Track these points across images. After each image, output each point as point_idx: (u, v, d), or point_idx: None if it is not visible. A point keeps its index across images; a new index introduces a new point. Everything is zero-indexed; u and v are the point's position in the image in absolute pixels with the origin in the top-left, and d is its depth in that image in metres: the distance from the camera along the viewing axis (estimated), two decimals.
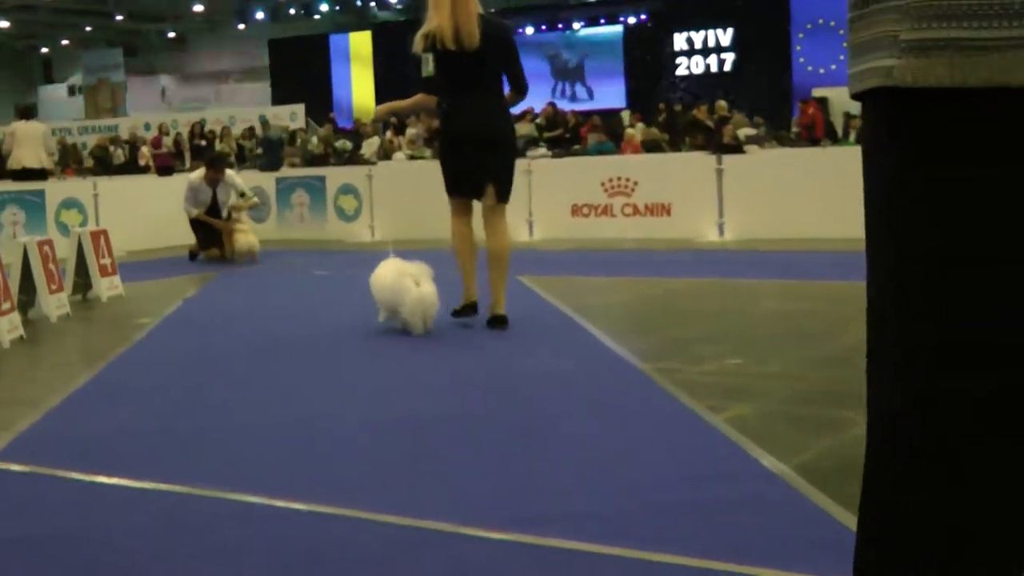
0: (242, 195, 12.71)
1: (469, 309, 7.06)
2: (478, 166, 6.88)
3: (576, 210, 13.31)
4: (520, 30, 34.32)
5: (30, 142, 15.07)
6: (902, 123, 1.29)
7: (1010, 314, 1.24)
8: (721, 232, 12.34)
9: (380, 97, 32.81)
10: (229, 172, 12.87)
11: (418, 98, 7.32)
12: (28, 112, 16.56)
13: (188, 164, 24.13)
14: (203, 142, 25.37)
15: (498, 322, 6.86)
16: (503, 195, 6.98)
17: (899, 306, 1.30)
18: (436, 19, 6.77)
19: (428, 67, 6.85)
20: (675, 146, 20.32)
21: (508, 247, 7.02)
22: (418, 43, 6.85)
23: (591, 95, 32.81)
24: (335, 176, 15.11)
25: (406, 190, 13.99)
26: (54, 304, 8.16)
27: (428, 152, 21.15)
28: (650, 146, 19.70)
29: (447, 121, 6.98)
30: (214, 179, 12.48)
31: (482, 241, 7.06)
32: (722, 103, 19.93)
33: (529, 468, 3.90)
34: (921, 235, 1.28)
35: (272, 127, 24.67)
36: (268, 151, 17.75)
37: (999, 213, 1.23)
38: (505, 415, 4.73)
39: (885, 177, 1.32)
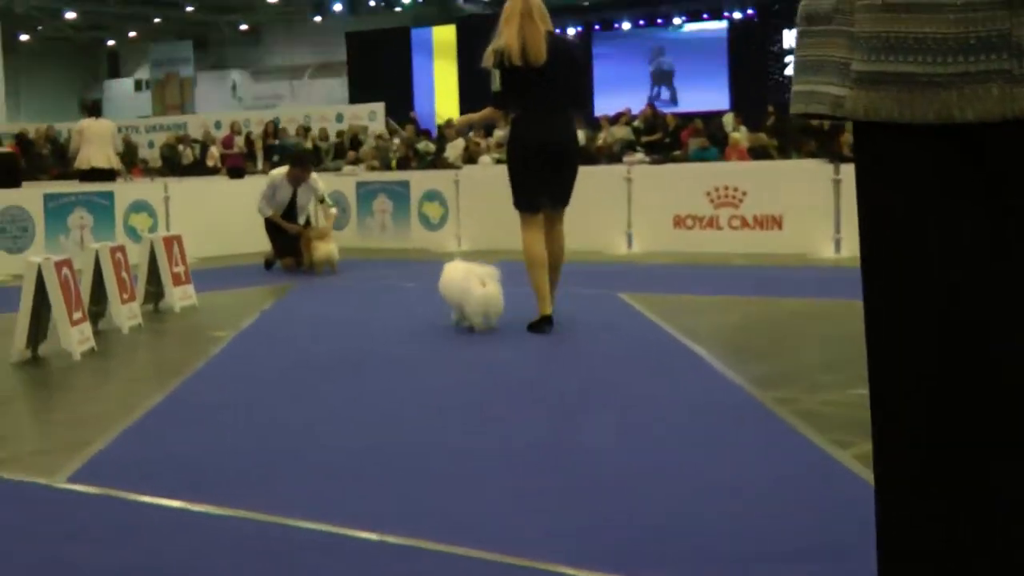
0: (321, 200, 12.79)
1: (544, 322, 7.55)
2: (549, 179, 7.57)
3: (679, 221, 13.27)
4: (616, 25, 34.33)
5: (100, 141, 15.38)
6: (855, 147, 1.37)
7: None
8: (838, 248, 12.17)
9: (465, 95, 33.00)
10: (313, 175, 12.91)
11: (487, 112, 8.00)
12: (96, 108, 16.92)
13: (260, 165, 24.42)
14: (276, 141, 25.66)
15: (547, 323, 7.53)
16: (567, 201, 7.78)
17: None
18: (505, 35, 7.44)
19: (496, 83, 7.58)
20: (785, 153, 20.19)
21: (564, 251, 7.88)
22: (488, 58, 7.52)
23: (691, 96, 32.62)
24: (419, 181, 15.20)
25: (494, 197, 13.97)
26: (126, 314, 8.30)
27: None
28: (758, 153, 19.62)
29: (518, 135, 7.62)
30: (298, 178, 12.55)
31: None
32: None
33: (640, 508, 3.87)
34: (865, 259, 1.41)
35: (288, 134, 24.88)
36: (283, 161, 17.62)
37: (933, 244, 1.30)
38: (609, 447, 4.71)
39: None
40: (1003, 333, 1.27)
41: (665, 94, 33.79)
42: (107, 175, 15.34)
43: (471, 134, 22.28)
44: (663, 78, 34.23)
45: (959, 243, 1.28)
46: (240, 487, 4.19)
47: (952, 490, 1.32)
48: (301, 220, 12.66)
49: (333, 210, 12.96)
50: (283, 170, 12.82)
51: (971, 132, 1.24)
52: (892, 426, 1.40)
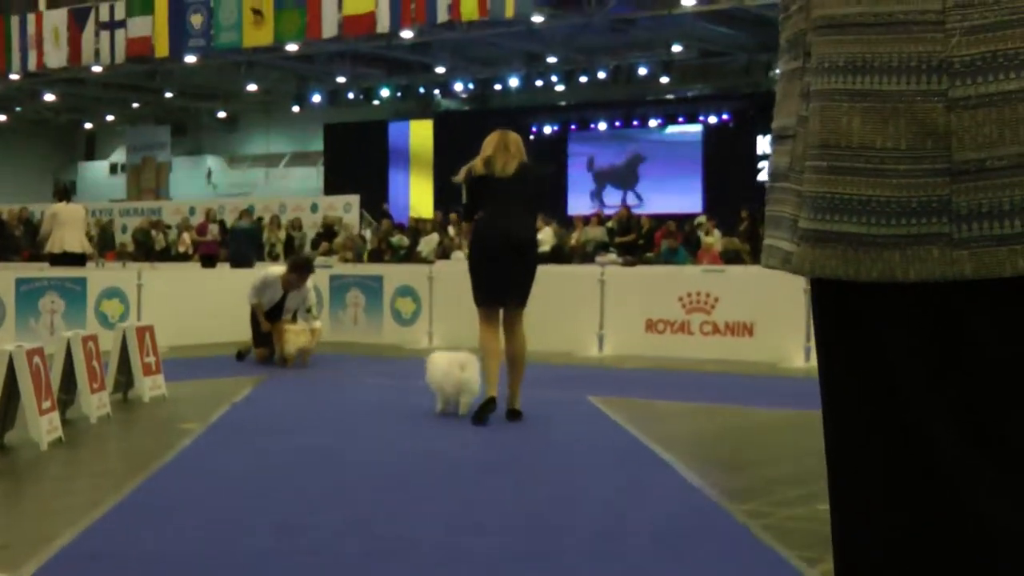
0: (308, 310, 12.69)
1: (490, 404, 8.06)
2: (507, 275, 8.12)
3: (651, 325, 13.32)
4: (593, 125, 34.68)
5: (72, 224, 15.47)
6: (812, 296, 1.44)
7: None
8: (808, 357, 12.14)
9: (440, 190, 33.18)
10: (308, 284, 12.76)
11: (467, 228, 8.60)
12: (67, 193, 16.98)
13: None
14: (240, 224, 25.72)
15: (515, 415, 8.21)
16: (525, 300, 8.28)
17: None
18: (479, 156, 8.25)
19: (464, 196, 8.36)
20: (757, 258, 20.35)
21: (525, 348, 8.36)
22: (460, 174, 8.33)
23: (665, 198, 32.88)
24: (393, 276, 15.26)
25: (468, 292, 14.01)
26: (95, 404, 8.26)
27: None
28: (730, 256, 19.79)
29: (479, 232, 8.19)
30: (292, 284, 12.45)
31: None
32: None
33: None
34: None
35: (243, 217, 24.91)
36: (236, 244, 17.24)
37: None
38: (577, 561, 4.68)
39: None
40: (954, 457, 1.32)
41: (638, 194, 34.03)
42: (79, 259, 15.36)
43: (449, 230, 22.41)
44: (636, 177, 34.49)
45: (915, 393, 1.33)
46: None
47: None
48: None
49: (317, 324, 12.72)
50: (278, 270, 12.77)
51: (920, 290, 1.30)
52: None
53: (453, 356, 8.52)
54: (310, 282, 12.87)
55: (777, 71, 1.51)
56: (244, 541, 4.88)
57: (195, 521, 5.27)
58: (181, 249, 26.30)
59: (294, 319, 12.57)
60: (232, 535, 4.99)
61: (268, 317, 12.43)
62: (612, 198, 33.56)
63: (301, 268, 12.67)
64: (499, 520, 5.34)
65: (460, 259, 20.63)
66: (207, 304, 13.92)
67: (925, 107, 1.28)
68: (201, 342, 13.80)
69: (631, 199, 33.09)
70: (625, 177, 34.54)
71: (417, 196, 36.94)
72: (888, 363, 1.34)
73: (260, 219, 27.09)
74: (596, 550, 4.81)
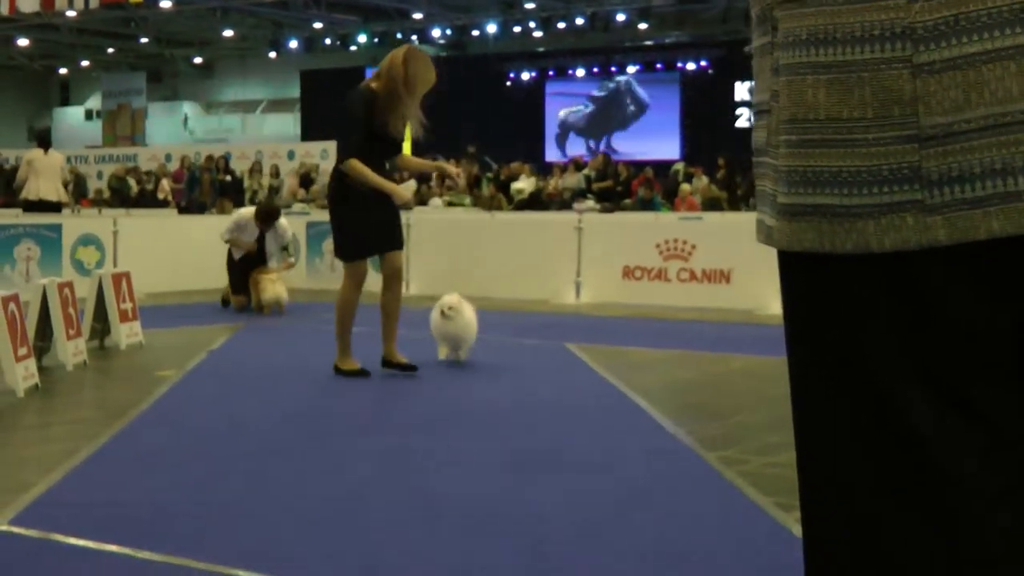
0: (284, 248, 12.72)
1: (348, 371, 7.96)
2: (381, 220, 7.73)
3: (628, 272, 13.29)
4: (571, 71, 34.54)
5: (49, 174, 15.39)
6: (780, 268, 1.44)
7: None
8: None
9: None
10: (282, 222, 12.81)
11: (358, 168, 7.68)
12: (45, 141, 16.79)
13: (210, 201, 24.30)
14: (228, 177, 25.58)
15: (410, 368, 7.94)
16: (401, 246, 8.09)
17: None
18: (390, 106, 7.57)
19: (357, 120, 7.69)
20: (735, 205, 20.35)
21: (401, 300, 8.10)
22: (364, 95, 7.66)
23: (643, 145, 32.83)
24: None
25: (446, 240, 14.09)
26: (71, 351, 8.23)
27: (468, 199, 21.36)
28: (708, 204, 19.77)
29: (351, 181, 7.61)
30: (263, 227, 12.56)
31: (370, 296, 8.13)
32: None
33: (583, 574, 3.86)
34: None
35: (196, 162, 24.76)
36: (191, 188, 17.11)
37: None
38: (552, 509, 4.65)
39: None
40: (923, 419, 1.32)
41: (617, 140, 33.95)
42: (54, 207, 15.27)
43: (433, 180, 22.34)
44: (615, 124, 34.40)
45: (886, 359, 1.33)
46: (184, 535, 4.16)
47: None
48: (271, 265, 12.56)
49: (292, 259, 12.94)
50: (251, 211, 12.83)
51: (895, 261, 1.30)
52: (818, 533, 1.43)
53: (441, 301, 8.40)
54: (286, 221, 12.94)
55: (751, 47, 1.50)
56: (215, 491, 4.87)
57: (168, 471, 5.27)
58: (160, 196, 26.13)
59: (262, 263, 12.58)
60: (203, 485, 4.99)
61: (251, 264, 12.38)
62: (580, 148, 33.42)
63: (266, 217, 12.66)
64: (468, 469, 5.34)
65: (438, 206, 20.63)
66: (185, 251, 13.86)
67: (890, 74, 1.27)
68: (178, 289, 13.72)
69: (609, 146, 33.04)
70: (602, 125, 34.45)
71: None
72: (858, 328, 1.34)
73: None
74: (571, 501, 4.80)
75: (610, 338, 10.24)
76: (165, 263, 13.72)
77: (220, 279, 12.74)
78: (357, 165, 7.51)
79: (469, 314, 8.37)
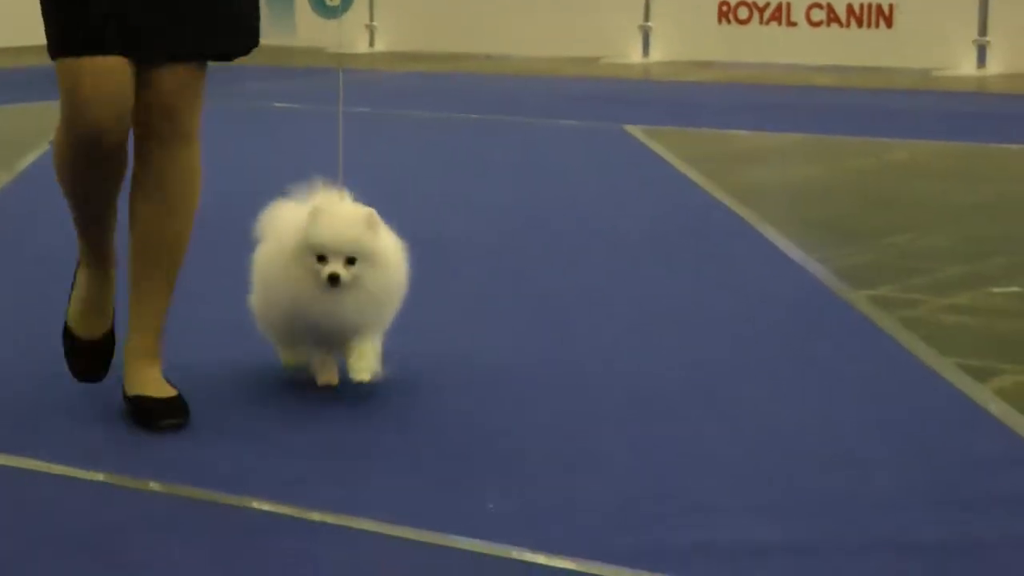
0: None
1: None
2: None
3: (726, 12, 11.47)
4: None
5: None
6: None
7: None
8: (982, 60, 10.58)
9: None
10: None
11: None
12: None
13: None
14: None
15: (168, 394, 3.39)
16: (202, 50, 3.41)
17: None
18: None
19: None
20: None
21: (194, 198, 3.50)
22: None
23: None
24: None
25: None
26: None
27: None
28: None
29: None
30: None
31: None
32: None
33: (690, 450, 3.04)
34: None
35: None
36: None
37: None
38: (635, 369, 3.67)
39: None
40: None
41: None
42: None
43: None
44: None
45: None
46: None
47: None
48: None
49: None
50: None
51: None
52: None
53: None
54: None
55: None
56: (54, 317, 3.75)
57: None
58: None
59: None
60: (44, 308, 4.01)
61: None
62: None
63: None
64: (523, 314, 4.37)
65: None
66: None
67: None
68: (25, 43, 11.30)
69: None
70: None
71: None
72: None
73: None
74: (660, 356, 3.79)
75: (695, 118, 8.93)
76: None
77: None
78: None
79: (391, 255, 3.40)
